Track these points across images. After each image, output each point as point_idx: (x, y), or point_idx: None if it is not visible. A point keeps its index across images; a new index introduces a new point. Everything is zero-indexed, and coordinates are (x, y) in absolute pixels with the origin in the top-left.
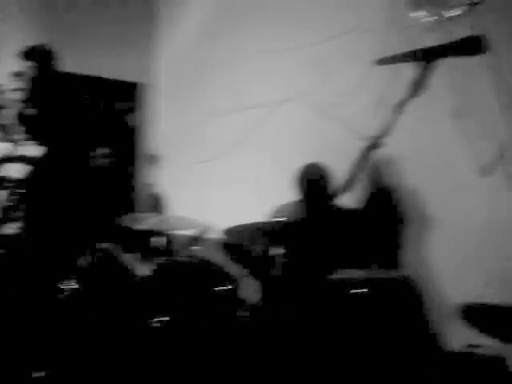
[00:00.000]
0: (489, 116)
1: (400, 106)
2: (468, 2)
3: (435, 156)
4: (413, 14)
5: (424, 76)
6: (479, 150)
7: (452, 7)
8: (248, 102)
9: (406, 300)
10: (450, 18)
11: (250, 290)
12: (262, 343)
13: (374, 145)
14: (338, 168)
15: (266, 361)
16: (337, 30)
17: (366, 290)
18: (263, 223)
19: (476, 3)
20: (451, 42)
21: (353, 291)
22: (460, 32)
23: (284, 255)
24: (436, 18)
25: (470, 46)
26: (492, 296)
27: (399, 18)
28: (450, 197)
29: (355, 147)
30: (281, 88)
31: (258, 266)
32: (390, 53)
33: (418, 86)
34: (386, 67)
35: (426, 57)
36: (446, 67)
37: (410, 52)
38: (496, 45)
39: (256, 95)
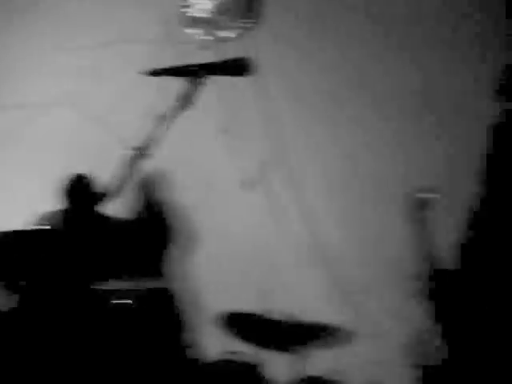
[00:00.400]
0: (253, 133)
1: (167, 119)
2: (241, 25)
3: (202, 170)
4: (188, 31)
5: (192, 91)
6: (244, 166)
7: (226, 28)
8: (15, 101)
9: (166, 311)
10: (224, 39)
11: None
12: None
13: (139, 156)
14: (104, 177)
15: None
16: (112, 38)
17: (129, 301)
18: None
19: (249, 27)
20: (221, 61)
21: (116, 302)
22: (233, 52)
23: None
24: (210, 37)
25: (239, 67)
26: (253, 305)
27: (174, 33)
28: (217, 211)
29: (122, 157)
30: (50, 90)
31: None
32: (162, 65)
33: (186, 101)
34: (157, 79)
35: (196, 73)
36: (216, 85)
37: (180, 67)
38: (264, 66)
39: (24, 95)
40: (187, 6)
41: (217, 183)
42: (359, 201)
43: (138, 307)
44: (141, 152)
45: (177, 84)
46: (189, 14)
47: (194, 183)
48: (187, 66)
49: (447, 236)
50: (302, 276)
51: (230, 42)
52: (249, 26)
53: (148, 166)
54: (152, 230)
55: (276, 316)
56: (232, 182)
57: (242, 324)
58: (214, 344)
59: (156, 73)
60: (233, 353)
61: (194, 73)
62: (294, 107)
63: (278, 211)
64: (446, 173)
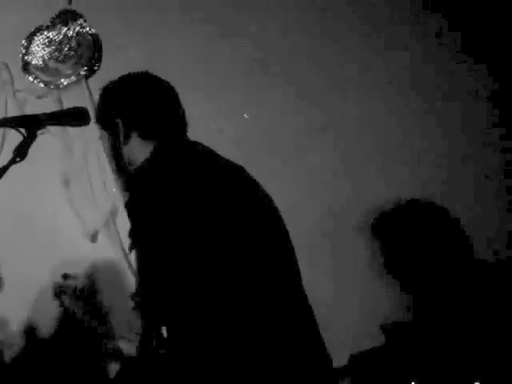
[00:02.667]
0: (95, 185)
1: (1, 171)
2: (78, 74)
3: (46, 225)
4: (26, 79)
5: (27, 142)
6: (86, 216)
7: (63, 77)
8: None
9: None
10: (61, 87)
11: None
12: None
13: None
14: None
15: None
16: None
17: None
18: None
19: (86, 76)
20: (57, 111)
21: None
22: (69, 101)
23: None
24: (46, 85)
25: (75, 117)
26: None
27: (10, 81)
28: (62, 263)
29: None
30: None
31: None
32: None
33: (21, 152)
34: None
35: (31, 123)
36: (57, 134)
37: (16, 117)
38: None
39: None
40: (27, 54)
41: (62, 236)
42: None
43: None
44: None
45: (13, 135)
46: (28, 62)
47: (37, 237)
48: (23, 117)
49: None
50: None
51: (68, 91)
52: (87, 74)
53: None
54: None
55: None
56: (77, 234)
57: None
58: None
59: None
60: None
61: (30, 123)
62: None
63: (129, 259)
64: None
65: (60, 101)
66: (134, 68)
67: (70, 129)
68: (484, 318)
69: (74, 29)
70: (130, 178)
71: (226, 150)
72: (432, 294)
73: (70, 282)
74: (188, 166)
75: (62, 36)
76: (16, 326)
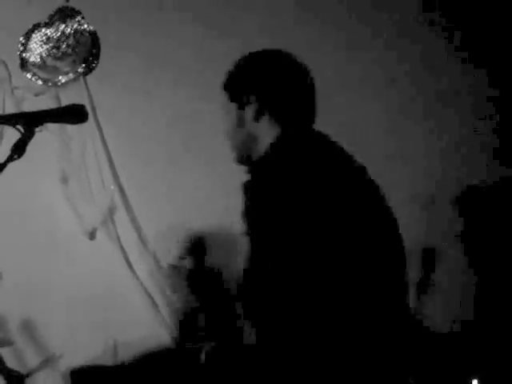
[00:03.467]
0: (93, 182)
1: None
2: (76, 71)
3: (43, 222)
4: (24, 77)
5: (25, 139)
6: (85, 213)
7: (61, 74)
8: None
9: None
10: (59, 84)
11: None
12: None
13: None
14: None
15: None
16: None
17: None
18: None
19: (84, 73)
20: (55, 108)
21: None
22: (67, 98)
23: None
24: (44, 82)
25: (73, 114)
26: (110, 359)
27: (7, 78)
28: (63, 262)
29: None
30: None
31: None
32: None
33: (19, 150)
34: None
35: (29, 120)
36: (55, 132)
37: (13, 114)
38: (101, 113)
39: None
40: (24, 51)
41: (60, 234)
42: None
43: None
44: None
45: (11, 132)
46: (26, 59)
47: (35, 234)
48: (21, 114)
49: None
50: (156, 320)
51: (66, 88)
52: (85, 71)
53: None
54: None
55: (129, 365)
56: (76, 232)
57: (93, 378)
58: None
59: None
60: None
61: (28, 120)
62: (130, 152)
63: (127, 257)
64: None
65: (58, 98)
66: (133, 65)
67: (68, 126)
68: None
69: (72, 26)
70: (254, 161)
71: (221, 149)
72: None
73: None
74: (312, 157)
75: (59, 33)
76: (14, 323)
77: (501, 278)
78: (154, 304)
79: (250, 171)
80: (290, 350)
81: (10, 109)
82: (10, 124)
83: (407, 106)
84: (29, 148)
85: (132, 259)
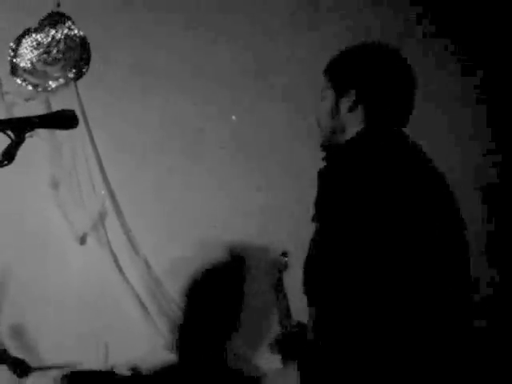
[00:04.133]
0: (84, 187)
1: None
2: (67, 76)
3: (34, 227)
4: (15, 82)
5: (15, 145)
6: (78, 219)
7: (51, 80)
8: None
9: None
10: (49, 90)
11: None
12: None
13: None
14: None
15: None
16: None
17: None
18: None
19: (74, 79)
20: (45, 114)
21: None
22: (57, 104)
23: None
24: (35, 87)
25: (63, 120)
26: (97, 363)
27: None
28: (54, 268)
29: None
30: None
31: None
32: None
33: (9, 155)
34: None
35: (19, 126)
36: (45, 137)
37: (4, 120)
38: (92, 118)
39: None
40: (15, 56)
41: (49, 236)
42: (189, 249)
43: None
44: None
45: (1, 138)
46: (16, 64)
47: (26, 240)
48: (11, 120)
49: None
50: (147, 325)
51: (56, 93)
52: (76, 77)
53: None
54: None
55: (120, 370)
56: (66, 237)
57: (84, 383)
58: None
59: None
60: None
61: (18, 126)
62: (121, 157)
63: (118, 262)
64: None
65: (48, 103)
66: (123, 70)
67: (58, 131)
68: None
69: (63, 31)
70: (335, 149)
71: (213, 151)
72: None
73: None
74: (386, 155)
75: (50, 38)
76: (4, 328)
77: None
78: (145, 308)
79: (328, 160)
80: (349, 344)
81: (0, 114)
82: (1, 130)
83: None
84: (19, 154)
85: (122, 264)
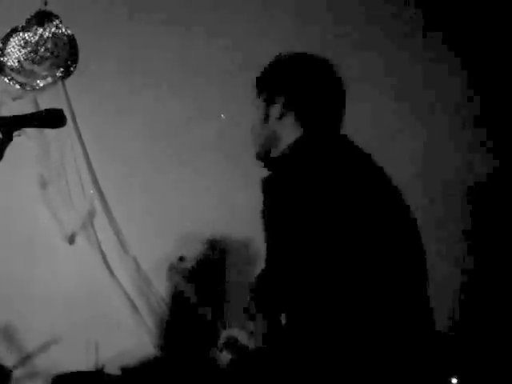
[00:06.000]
0: (72, 186)
1: None
2: (54, 75)
3: (22, 227)
4: (2, 81)
5: (3, 144)
6: (66, 218)
7: (39, 78)
8: None
9: None
10: (37, 89)
11: None
12: None
13: None
14: None
15: None
16: None
17: None
18: None
19: (62, 77)
20: (33, 113)
21: None
22: (45, 103)
23: None
24: (22, 86)
25: (51, 119)
26: (87, 362)
27: None
28: (42, 267)
29: None
30: None
31: None
32: None
33: None
34: None
35: (7, 125)
36: (33, 136)
37: None
38: (80, 117)
39: None
40: (2, 55)
41: (38, 236)
42: (178, 248)
43: None
44: None
45: None
46: (3, 63)
47: (15, 239)
48: None
49: None
50: (137, 324)
51: (44, 92)
52: (63, 75)
53: None
54: None
55: (110, 369)
56: (55, 236)
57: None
58: None
59: None
60: None
61: (6, 125)
62: (109, 156)
63: (107, 261)
64: None
65: (36, 102)
66: (110, 69)
67: (46, 130)
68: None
69: (50, 30)
70: (273, 158)
71: (202, 151)
72: None
73: (185, 265)
74: (330, 160)
75: (37, 37)
76: None
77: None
78: (135, 307)
79: (270, 169)
80: (304, 346)
81: None
82: None
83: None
84: (7, 153)
85: (112, 263)
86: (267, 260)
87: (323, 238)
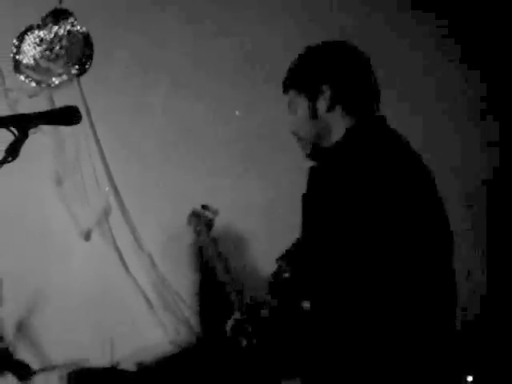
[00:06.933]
0: (87, 183)
1: None
2: (70, 73)
3: (38, 224)
4: (18, 78)
5: (19, 142)
6: (82, 215)
7: (54, 76)
8: None
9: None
10: (52, 86)
11: None
12: None
13: None
14: None
15: None
16: None
17: None
18: None
19: (77, 75)
20: (48, 110)
21: None
22: (60, 100)
23: None
24: (38, 84)
25: (66, 116)
26: (103, 359)
27: (1, 81)
28: (57, 263)
29: None
30: None
31: None
32: None
33: (12, 152)
34: None
35: (23, 122)
36: (49, 133)
37: (7, 116)
38: (95, 114)
39: None
40: (17, 53)
41: (53, 233)
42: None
43: None
44: None
45: (4, 134)
46: (19, 61)
47: (30, 236)
48: (14, 116)
49: None
50: (152, 320)
51: (60, 90)
52: (79, 73)
53: None
54: None
55: (126, 365)
56: (71, 233)
57: (90, 380)
58: None
59: None
60: None
61: (21, 122)
62: (124, 153)
63: (122, 257)
64: None
65: (51, 100)
66: (126, 66)
67: (61, 128)
68: None
69: (65, 27)
70: (324, 151)
71: (218, 147)
72: None
73: (208, 214)
74: (384, 151)
75: (53, 35)
76: (9, 324)
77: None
78: (150, 304)
79: (323, 161)
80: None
81: (4, 111)
82: (3, 126)
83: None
84: (23, 150)
85: (127, 260)
86: (302, 245)
87: (367, 231)
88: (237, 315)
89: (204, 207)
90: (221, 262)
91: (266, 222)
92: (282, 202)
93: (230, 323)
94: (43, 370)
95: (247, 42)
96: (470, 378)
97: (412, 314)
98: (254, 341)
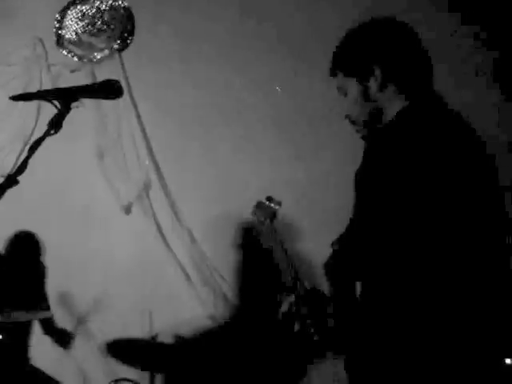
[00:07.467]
0: (128, 157)
1: (37, 144)
2: (111, 47)
3: (79, 196)
4: (60, 53)
5: (62, 115)
6: (123, 189)
7: (96, 51)
8: None
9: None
10: (94, 61)
11: None
12: None
13: (8, 182)
14: None
15: None
16: None
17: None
18: None
19: (119, 50)
20: (90, 84)
21: None
22: (102, 75)
23: None
24: (80, 59)
25: (108, 90)
26: (141, 329)
27: (44, 55)
28: (98, 236)
29: None
30: None
31: None
32: (32, 89)
33: (56, 125)
34: (28, 103)
35: (65, 96)
36: (90, 107)
37: (50, 90)
38: (136, 89)
39: None
40: (60, 28)
41: (96, 206)
42: (234, 219)
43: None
44: (11, 179)
45: (48, 108)
46: (61, 36)
47: (72, 209)
48: (57, 90)
49: None
50: (191, 294)
51: (101, 64)
52: (120, 48)
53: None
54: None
55: (164, 339)
56: (112, 206)
57: (128, 350)
58: (103, 372)
59: (25, 97)
60: (123, 379)
61: (63, 96)
62: (165, 128)
63: (162, 232)
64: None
65: (93, 74)
66: (167, 41)
67: (103, 102)
68: None
69: (107, 2)
70: (379, 131)
71: (256, 121)
72: None
73: (273, 205)
74: (443, 130)
75: (94, 10)
76: (52, 296)
77: None
78: (188, 278)
79: (378, 142)
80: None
81: (47, 85)
82: (46, 100)
83: None
84: (65, 124)
85: (166, 234)
86: (355, 225)
87: (425, 214)
88: (291, 298)
89: (269, 199)
90: (282, 252)
91: (303, 193)
92: (317, 176)
93: (284, 306)
94: (83, 338)
95: (289, 18)
96: (508, 361)
97: (471, 300)
98: (309, 326)
